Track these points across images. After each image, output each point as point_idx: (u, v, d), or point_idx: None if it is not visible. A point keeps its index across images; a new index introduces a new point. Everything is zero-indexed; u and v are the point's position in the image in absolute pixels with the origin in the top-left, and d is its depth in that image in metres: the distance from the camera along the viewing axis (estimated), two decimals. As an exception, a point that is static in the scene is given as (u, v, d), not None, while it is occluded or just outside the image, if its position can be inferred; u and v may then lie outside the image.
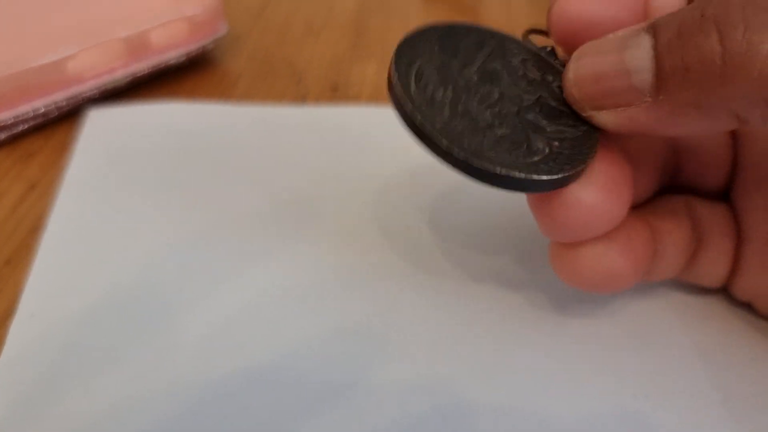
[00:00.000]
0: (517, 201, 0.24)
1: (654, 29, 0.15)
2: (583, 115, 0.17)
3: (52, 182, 0.26)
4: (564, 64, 0.17)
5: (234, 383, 0.18)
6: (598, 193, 0.17)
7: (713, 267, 0.20)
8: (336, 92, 0.31)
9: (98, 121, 0.27)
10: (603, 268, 0.18)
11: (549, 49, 0.18)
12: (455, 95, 0.16)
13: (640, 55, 0.15)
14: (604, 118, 0.16)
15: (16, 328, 0.20)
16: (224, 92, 0.31)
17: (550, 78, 0.17)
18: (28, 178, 0.26)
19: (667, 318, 0.20)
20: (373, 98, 0.31)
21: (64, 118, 0.29)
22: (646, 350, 0.19)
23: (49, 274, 0.21)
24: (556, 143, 0.16)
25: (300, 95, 0.31)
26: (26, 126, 0.28)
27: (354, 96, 0.31)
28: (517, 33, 0.37)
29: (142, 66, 0.29)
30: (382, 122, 0.28)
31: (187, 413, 0.18)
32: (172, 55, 0.30)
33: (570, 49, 0.17)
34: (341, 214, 0.24)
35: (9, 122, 0.27)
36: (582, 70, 0.16)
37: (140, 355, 0.19)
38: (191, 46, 0.31)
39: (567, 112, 0.17)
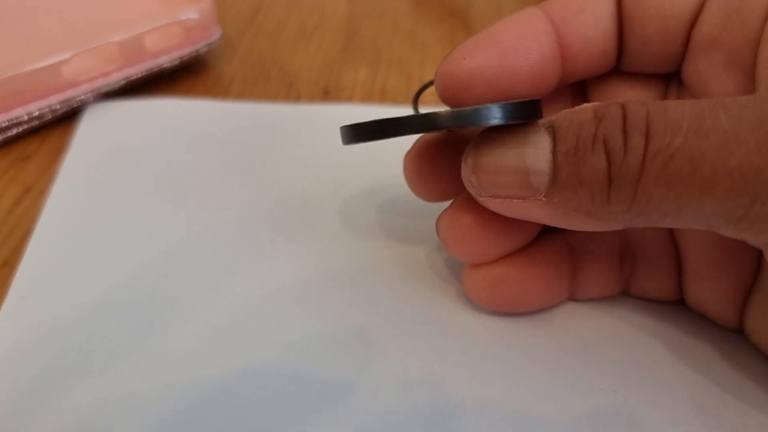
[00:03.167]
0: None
1: (554, 130, 0.15)
2: (479, 199, 0.17)
3: (48, 185, 0.26)
4: None
5: (227, 381, 0.19)
6: (475, 216, 0.18)
7: (655, 282, 0.20)
8: (327, 95, 0.31)
9: (96, 115, 0.28)
10: (504, 289, 0.19)
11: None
12: None
13: (540, 156, 0.15)
14: (500, 206, 0.16)
15: (4, 317, 0.20)
16: (217, 96, 0.31)
17: None
18: (24, 181, 0.26)
19: (639, 317, 0.21)
20: (364, 101, 0.31)
21: (59, 122, 0.29)
22: (618, 348, 0.20)
23: (40, 264, 0.22)
24: None
25: (292, 99, 0.31)
26: (21, 129, 0.28)
27: (345, 99, 0.31)
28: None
29: (136, 70, 0.30)
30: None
31: (181, 411, 0.18)
32: (166, 59, 0.30)
33: (457, 103, 0.18)
34: (335, 213, 0.24)
35: (4, 125, 0.27)
36: (481, 160, 0.16)
37: (132, 349, 0.19)
38: (185, 51, 0.31)
39: None
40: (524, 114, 0.16)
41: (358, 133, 0.17)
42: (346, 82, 0.32)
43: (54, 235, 0.23)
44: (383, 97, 0.31)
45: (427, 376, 0.19)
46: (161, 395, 0.18)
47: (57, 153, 0.28)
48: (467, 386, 0.19)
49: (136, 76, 0.30)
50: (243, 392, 0.18)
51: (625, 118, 0.14)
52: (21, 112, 0.28)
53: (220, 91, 0.32)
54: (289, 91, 0.32)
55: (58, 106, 0.28)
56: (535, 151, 0.15)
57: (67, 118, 0.29)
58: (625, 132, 0.14)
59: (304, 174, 0.26)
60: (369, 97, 0.31)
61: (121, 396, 0.18)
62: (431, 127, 0.16)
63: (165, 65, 0.31)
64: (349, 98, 0.31)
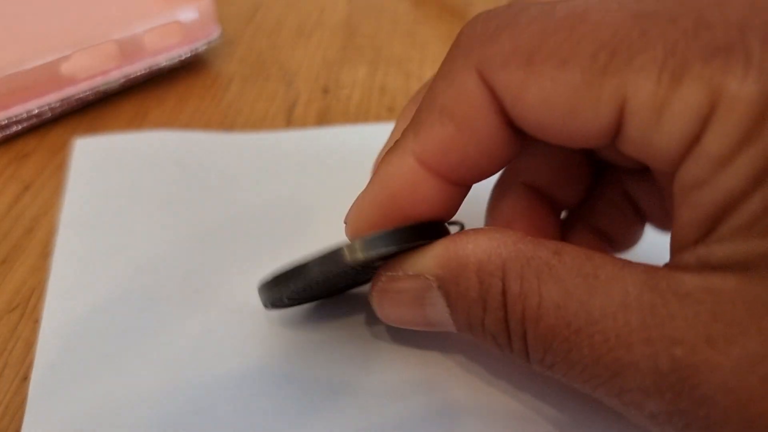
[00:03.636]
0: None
1: (446, 296, 0.15)
2: None
3: (47, 183, 0.26)
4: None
5: (227, 382, 0.19)
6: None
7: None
8: (327, 93, 0.31)
9: (86, 152, 0.27)
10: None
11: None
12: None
13: (440, 314, 0.16)
14: None
15: (46, 325, 0.20)
16: (216, 94, 0.31)
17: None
18: (23, 179, 0.26)
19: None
20: (363, 99, 0.31)
21: (58, 120, 0.29)
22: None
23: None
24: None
25: (291, 97, 0.31)
26: (20, 127, 0.28)
27: (345, 97, 0.31)
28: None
29: (135, 68, 0.30)
30: (366, 141, 0.28)
31: (185, 411, 0.18)
32: (165, 57, 0.31)
33: None
34: (326, 231, 0.24)
35: (3, 123, 0.27)
36: (387, 313, 0.17)
37: (141, 361, 0.19)
38: (184, 49, 0.31)
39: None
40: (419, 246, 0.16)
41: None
42: (345, 81, 0.32)
43: (68, 289, 0.22)
44: (382, 94, 0.31)
45: (432, 377, 0.19)
46: (166, 396, 0.18)
47: (56, 151, 0.28)
48: (471, 388, 0.19)
49: (135, 75, 0.30)
50: (242, 392, 0.18)
51: (505, 311, 0.14)
52: (20, 110, 0.28)
53: (219, 89, 0.32)
54: (289, 89, 0.32)
55: (58, 104, 0.28)
56: (434, 311, 0.16)
57: (66, 115, 0.29)
58: (507, 329, 0.14)
59: (298, 198, 0.25)
60: (368, 94, 0.31)
61: (126, 393, 0.18)
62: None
63: (164, 64, 0.31)
64: (349, 96, 0.31)
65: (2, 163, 0.27)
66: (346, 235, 0.17)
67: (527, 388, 0.19)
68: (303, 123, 0.30)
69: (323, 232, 0.24)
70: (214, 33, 0.32)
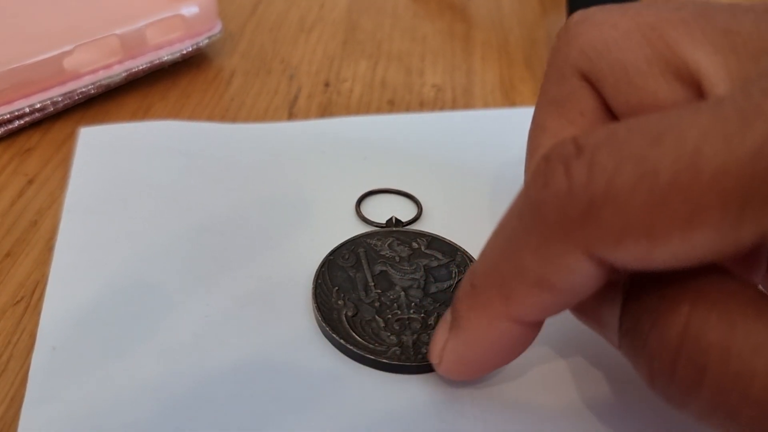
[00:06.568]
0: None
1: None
2: None
3: (51, 176, 0.26)
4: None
5: (223, 374, 0.19)
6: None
7: None
8: (328, 87, 0.32)
9: (90, 140, 0.27)
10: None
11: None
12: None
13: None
14: None
15: (45, 320, 0.20)
16: (218, 89, 0.31)
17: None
18: (26, 173, 0.26)
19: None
20: (364, 93, 0.31)
21: (61, 114, 0.29)
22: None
23: (63, 308, 0.21)
24: None
25: (293, 91, 0.31)
26: (23, 121, 0.28)
27: (346, 91, 0.31)
28: (507, 33, 0.37)
29: (137, 63, 0.30)
30: (368, 132, 0.28)
31: (185, 398, 0.18)
32: (167, 52, 0.31)
33: None
34: (328, 221, 0.24)
35: (6, 118, 0.28)
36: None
37: (142, 347, 0.19)
38: (186, 44, 0.31)
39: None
40: None
41: None
42: (346, 75, 0.33)
43: (69, 274, 0.22)
44: (383, 88, 0.32)
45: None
46: (164, 388, 0.18)
47: (59, 145, 0.28)
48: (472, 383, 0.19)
49: (137, 69, 0.30)
50: (243, 379, 0.19)
51: None
52: (23, 105, 0.28)
53: (221, 83, 0.32)
54: (290, 83, 0.32)
55: (60, 99, 0.29)
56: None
57: (69, 110, 0.29)
58: None
59: (301, 187, 0.25)
60: (369, 89, 0.31)
61: (128, 387, 0.18)
62: None
63: (166, 58, 0.31)
64: (350, 90, 0.31)
65: (6, 157, 0.27)
66: (439, 371, 0.18)
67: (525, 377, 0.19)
68: (305, 116, 0.30)
69: (324, 221, 0.24)
70: (216, 27, 0.32)
